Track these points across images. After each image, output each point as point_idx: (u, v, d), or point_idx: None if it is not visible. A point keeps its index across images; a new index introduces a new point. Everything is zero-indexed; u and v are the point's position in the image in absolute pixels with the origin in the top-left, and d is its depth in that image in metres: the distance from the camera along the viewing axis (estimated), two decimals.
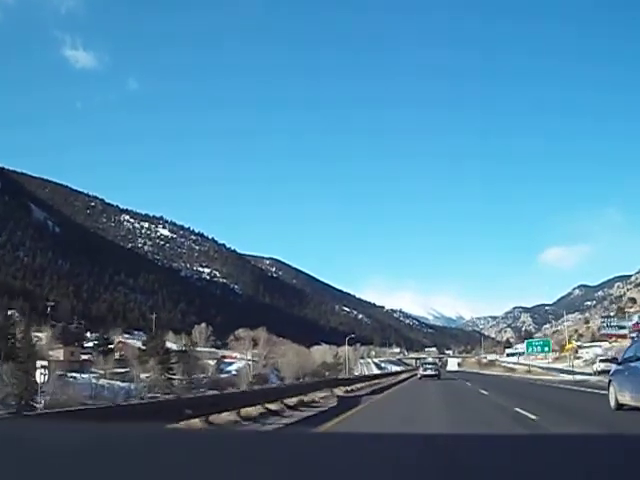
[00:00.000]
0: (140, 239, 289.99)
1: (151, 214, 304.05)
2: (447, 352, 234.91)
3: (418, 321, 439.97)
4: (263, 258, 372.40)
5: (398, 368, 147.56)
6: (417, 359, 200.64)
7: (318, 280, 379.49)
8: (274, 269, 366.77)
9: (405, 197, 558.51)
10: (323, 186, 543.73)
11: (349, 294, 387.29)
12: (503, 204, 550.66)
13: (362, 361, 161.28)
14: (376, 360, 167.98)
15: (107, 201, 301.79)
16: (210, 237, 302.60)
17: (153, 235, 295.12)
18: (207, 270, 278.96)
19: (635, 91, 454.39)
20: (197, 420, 11.78)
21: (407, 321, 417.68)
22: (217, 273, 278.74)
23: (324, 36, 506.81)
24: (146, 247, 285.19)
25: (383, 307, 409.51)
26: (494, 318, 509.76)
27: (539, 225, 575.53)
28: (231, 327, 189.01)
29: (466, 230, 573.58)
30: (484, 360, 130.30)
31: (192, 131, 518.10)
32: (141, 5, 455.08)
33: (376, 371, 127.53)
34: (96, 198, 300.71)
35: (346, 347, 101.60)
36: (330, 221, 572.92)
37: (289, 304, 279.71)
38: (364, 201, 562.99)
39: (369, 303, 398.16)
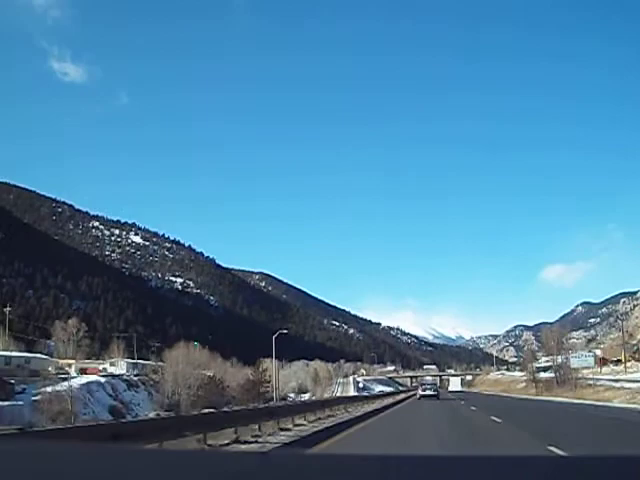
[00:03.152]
0: (109, 247, 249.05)
1: (123, 220, 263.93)
2: (449, 370, 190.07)
3: (417, 339, 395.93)
4: (252, 272, 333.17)
5: (387, 389, 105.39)
6: (413, 378, 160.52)
7: (310, 296, 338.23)
8: (263, 284, 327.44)
9: (404, 217, 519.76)
10: (325, 214, 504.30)
11: (344, 310, 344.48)
12: (502, 223, 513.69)
13: (342, 380, 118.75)
14: (360, 379, 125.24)
15: (76, 207, 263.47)
16: (187, 245, 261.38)
17: (123, 242, 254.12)
18: (180, 280, 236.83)
19: (636, 106, 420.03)
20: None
21: (405, 339, 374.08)
22: (191, 283, 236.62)
23: (319, 46, 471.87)
24: (114, 255, 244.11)
25: (380, 324, 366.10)
26: (495, 337, 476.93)
27: (539, 243, 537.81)
28: (189, 338, 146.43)
29: (466, 249, 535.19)
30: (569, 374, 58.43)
31: (188, 144, 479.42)
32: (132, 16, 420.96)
33: (352, 393, 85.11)
34: (64, 204, 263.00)
35: (273, 356, 57.99)
36: (330, 241, 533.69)
37: (271, 318, 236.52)
38: (364, 222, 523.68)
39: (365, 320, 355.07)
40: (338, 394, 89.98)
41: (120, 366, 59.18)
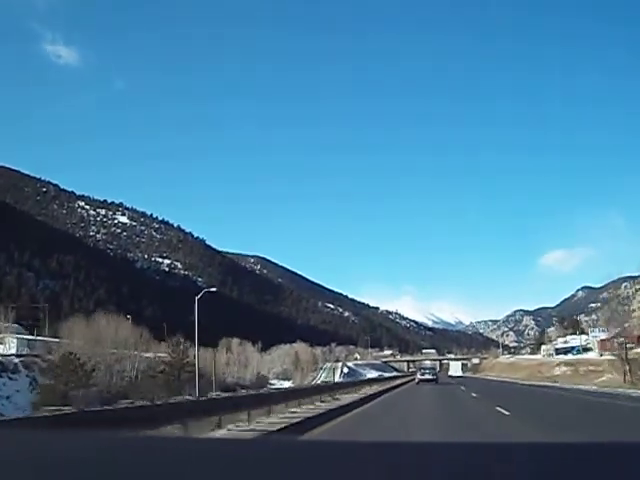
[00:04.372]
0: (94, 227, 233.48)
1: (110, 200, 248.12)
2: (449, 355, 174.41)
3: (416, 323, 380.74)
4: (247, 256, 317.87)
5: (380, 374, 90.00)
6: (411, 362, 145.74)
7: (307, 280, 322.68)
8: (258, 267, 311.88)
9: (404, 205, 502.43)
10: (326, 201, 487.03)
11: (341, 294, 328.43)
12: (502, 209, 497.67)
13: (329, 365, 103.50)
14: (351, 364, 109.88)
15: (62, 187, 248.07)
16: (175, 225, 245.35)
17: (109, 223, 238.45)
18: (167, 261, 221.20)
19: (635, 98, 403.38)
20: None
21: (404, 323, 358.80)
22: (178, 264, 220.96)
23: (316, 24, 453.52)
24: (98, 235, 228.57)
25: (378, 308, 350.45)
26: (495, 322, 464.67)
27: (539, 229, 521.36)
28: (164, 321, 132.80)
29: (465, 235, 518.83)
30: None
31: (182, 128, 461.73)
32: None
33: (337, 379, 69.84)
34: (49, 184, 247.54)
35: (196, 328, 41.11)
36: (330, 228, 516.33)
37: (261, 300, 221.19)
38: (365, 213, 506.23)
39: (362, 304, 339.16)
40: (319, 381, 74.70)
41: (9, 344, 43.66)
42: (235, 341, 76.91)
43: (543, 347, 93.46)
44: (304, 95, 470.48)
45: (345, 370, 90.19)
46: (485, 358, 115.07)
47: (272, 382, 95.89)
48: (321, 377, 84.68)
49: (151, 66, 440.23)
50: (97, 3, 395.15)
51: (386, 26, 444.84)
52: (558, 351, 77.08)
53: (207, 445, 1.43)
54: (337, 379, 72.16)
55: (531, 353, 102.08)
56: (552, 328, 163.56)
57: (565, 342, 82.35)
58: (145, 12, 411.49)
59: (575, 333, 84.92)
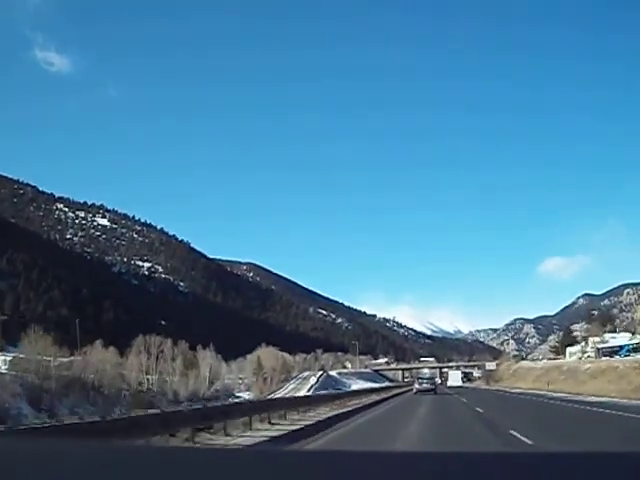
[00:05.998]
0: (71, 230, 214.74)
1: (90, 202, 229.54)
2: (450, 363, 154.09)
3: (414, 331, 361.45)
4: (240, 263, 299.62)
5: (367, 385, 70.62)
6: (406, 370, 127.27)
7: (302, 287, 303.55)
8: (251, 274, 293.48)
9: (402, 213, 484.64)
10: (325, 211, 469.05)
11: (337, 302, 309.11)
12: (500, 216, 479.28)
13: (305, 374, 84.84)
14: (334, 373, 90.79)
15: (40, 189, 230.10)
16: (158, 227, 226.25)
17: (88, 225, 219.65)
18: (147, 264, 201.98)
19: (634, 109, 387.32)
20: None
21: (402, 331, 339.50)
22: (159, 268, 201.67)
23: (310, 38, 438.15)
24: (75, 238, 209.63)
25: (375, 316, 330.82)
26: (494, 330, 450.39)
27: (538, 236, 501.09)
28: (128, 328, 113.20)
29: (464, 242, 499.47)
30: None
31: (172, 136, 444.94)
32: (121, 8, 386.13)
33: (303, 393, 50.34)
34: (28, 185, 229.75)
35: None
36: (329, 237, 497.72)
37: (247, 305, 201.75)
38: (362, 219, 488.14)
39: (359, 311, 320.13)
40: (281, 394, 55.50)
41: None
42: (159, 341, 57.11)
43: (569, 349, 73.18)
44: (304, 104, 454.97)
45: (313, 381, 69.98)
46: (499, 364, 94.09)
47: (239, 395, 77.05)
48: (289, 388, 65.86)
49: (145, 74, 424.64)
50: (90, 11, 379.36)
51: (397, 40, 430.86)
52: (604, 352, 57.63)
53: (187, 454, 1.34)
54: (304, 392, 53.15)
55: (553, 358, 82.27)
56: (579, 325, 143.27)
57: (602, 341, 62.97)
58: (140, 17, 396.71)
59: (614, 331, 65.87)
